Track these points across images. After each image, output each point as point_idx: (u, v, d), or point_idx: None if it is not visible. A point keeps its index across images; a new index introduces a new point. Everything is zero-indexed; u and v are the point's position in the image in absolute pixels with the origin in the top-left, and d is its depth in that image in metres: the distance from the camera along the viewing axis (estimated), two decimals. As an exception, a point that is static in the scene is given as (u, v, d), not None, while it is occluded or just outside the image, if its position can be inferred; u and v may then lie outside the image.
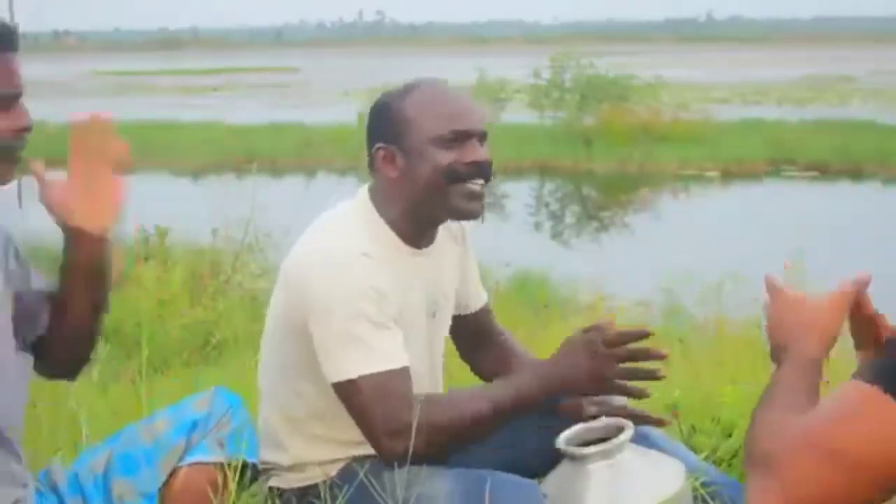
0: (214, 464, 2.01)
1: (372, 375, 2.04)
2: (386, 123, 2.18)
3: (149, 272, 6.37)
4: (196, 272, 6.57)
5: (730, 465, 2.77)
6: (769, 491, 1.36)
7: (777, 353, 1.64)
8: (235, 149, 20.22)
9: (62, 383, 3.29)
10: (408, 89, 2.19)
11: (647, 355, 2.07)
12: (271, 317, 2.23)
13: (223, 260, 6.81)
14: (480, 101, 2.20)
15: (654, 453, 2.16)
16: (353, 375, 2.05)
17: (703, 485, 2.17)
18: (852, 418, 1.34)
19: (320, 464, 2.16)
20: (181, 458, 2.02)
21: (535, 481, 2.09)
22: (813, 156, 18.51)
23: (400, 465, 2.01)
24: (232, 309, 5.99)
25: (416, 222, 2.19)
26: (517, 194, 17.15)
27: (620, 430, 2.10)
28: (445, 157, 2.13)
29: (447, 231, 2.33)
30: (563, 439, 2.14)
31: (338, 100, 30.98)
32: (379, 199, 2.19)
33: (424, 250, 2.23)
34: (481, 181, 2.16)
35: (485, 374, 2.51)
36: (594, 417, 2.19)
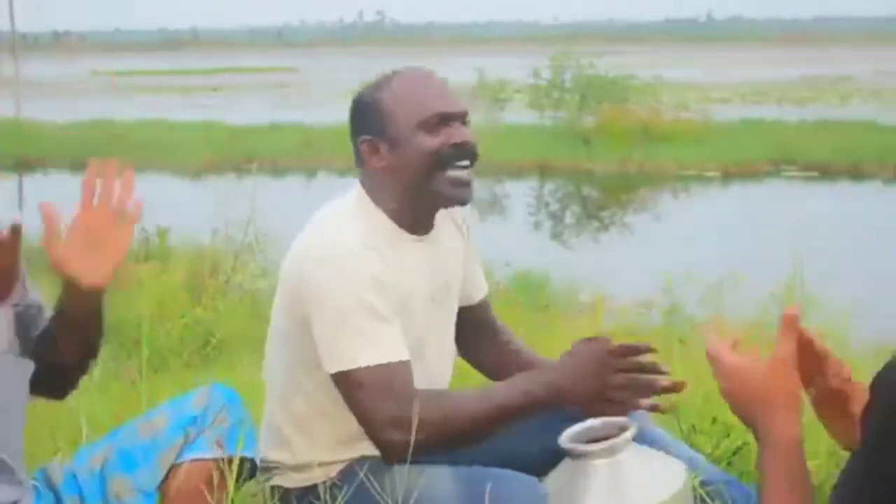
0: (212, 460, 2.01)
1: (371, 367, 2.04)
2: (367, 116, 2.19)
3: (149, 272, 6.36)
4: (196, 272, 6.57)
5: (729, 465, 2.77)
6: None
7: (745, 422, 1.64)
8: (235, 149, 20.19)
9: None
10: (385, 80, 2.21)
11: (649, 369, 2.06)
12: (275, 314, 2.23)
13: (223, 260, 6.80)
14: (471, 107, 2.21)
15: (654, 452, 2.16)
16: (352, 366, 2.05)
17: (703, 484, 2.17)
18: None
19: (321, 464, 2.16)
20: (179, 455, 2.02)
21: (536, 479, 2.10)
22: (813, 156, 18.49)
23: (398, 459, 2.01)
24: (232, 309, 5.99)
25: (411, 209, 2.20)
26: (517, 194, 17.14)
27: (622, 429, 2.10)
28: (432, 142, 2.14)
29: (451, 222, 2.33)
30: (565, 437, 2.14)
31: (338, 100, 30.93)
32: (373, 189, 2.20)
33: (424, 237, 2.23)
34: (467, 162, 2.17)
35: (483, 367, 2.52)
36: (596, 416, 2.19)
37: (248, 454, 2.07)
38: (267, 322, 2.31)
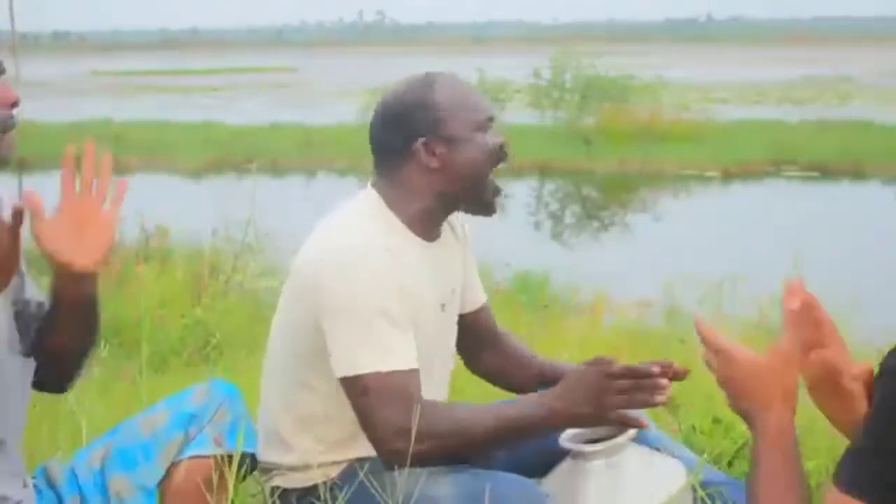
0: (213, 457, 2.01)
1: (381, 374, 2.04)
2: (422, 116, 2.18)
3: (149, 272, 6.37)
4: (196, 272, 6.57)
5: (730, 465, 2.77)
6: None
7: (740, 414, 1.64)
8: (235, 149, 20.21)
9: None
10: (425, 83, 2.22)
11: (650, 386, 2.04)
12: (283, 311, 2.22)
13: (223, 260, 6.81)
14: None
15: (654, 453, 2.16)
16: (362, 371, 2.04)
17: (703, 484, 2.17)
18: None
19: (321, 465, 2.16)
20: (180, 452, 2.02)
21: (536, 481, 2.09)
22: (813, 156, 18.50)
23: (400, 467, 2.01)
24: (232, 309, 5.99)
25: (432, 215, 2.21)
26: (517, 194, 17.14)
27: (621, 429, 2.10)
28: (490, 140, 2.21)
29: (450, 229, 2.33)
30: (565, 437, 2.15)
31: (338, 100, 30.97)
32: (393, 193, 2.19)
33: (434, 243, 2.24)
34: (505, 164, 2.26)
35: (485, 373, 2.52)
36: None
37: (248, 449, 2.07)
38: (267, 322, 2.31)
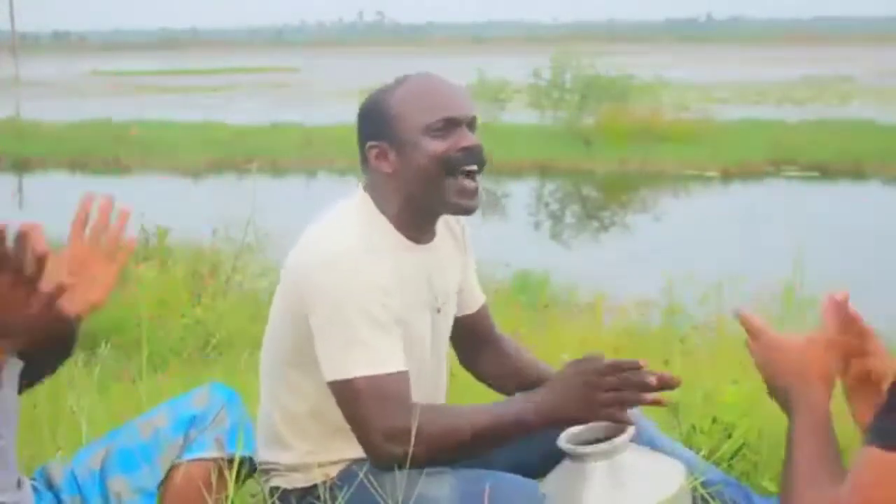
0: (212, 460, 2.01)
1: (370, 377, 2.03)
2: (375, 120, 2.18)
3: (149, 272, 6.36)
4: (196, 272, 6.57)
5: (730, 465, 2.77)
6: None
7: (776, 398, 1.67)
8: (235, 149, 20.21)
9: (62, 383, 3.30)
10: (394, 85, 2.20)
11: (637, 384, 2.04)
12: (274, 315, 2.23)
13: (223, 260, 6.81)
14: (469, 93, 2.17)
15: (654, 453, 2.16)
16: (350, 375, 2.04)
17: (703, 484, 2.17)
18: (880, 488, 1.37)
19: (321, 465, 2.16)
20: (179, 455, 2.02)
21: (535, 481, 2.09)
22: (813, 156, 18.50)
23: (390, 470, 2.01)
24: (232, 309, 5.99)
25: (415, 216, 2.19)
26: (517, 194, 17.14)
27: (621, 429, 2.10)
28: (439, 146, 2.13)
29: (449, 230, 2.33)
30: (564, 438, 2.14)
31: (338, 100, 30.96)
32: (377, 195, 2.19)
33: (425, 245, 2.23)
34: (474, 167, 2.16)
35: (484, 376, 2.51)
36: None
37: (247, 454, 2.07)
38: (266, 322, 2.31)
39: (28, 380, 1.94)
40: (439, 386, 2.32)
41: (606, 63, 22.10)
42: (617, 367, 2.04)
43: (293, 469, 2.20)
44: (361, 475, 2.09)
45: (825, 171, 18.03)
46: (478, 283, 2.46)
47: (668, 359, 3.56)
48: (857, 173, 18.00)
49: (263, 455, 2.20)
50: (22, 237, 1.60)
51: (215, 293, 6.20)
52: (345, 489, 2.11)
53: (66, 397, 3.04)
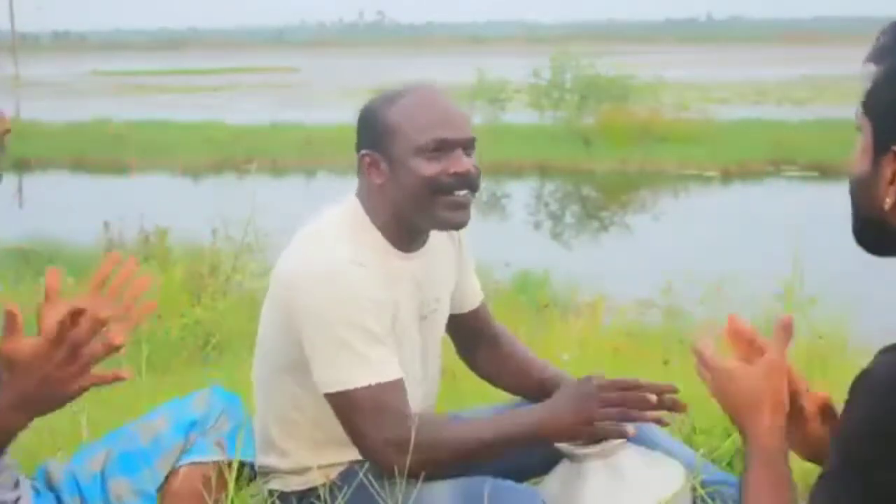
0: (212, 463, 2.01)
1: (367, 388, 2.03)
2: (372, 130, 2.15)
3: (148, 272, 6.35)
4: (196, 272, 6.57)
5: (730, 465, 2.77)
6: None
7: (734, 423, 1.68)
8: (235, 149, 20.21)
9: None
10: (396, 96, 2.16)
11: (637, 401, 2.05)
12: (263, 324, 2.21)
13: (223, 260, 6.80)
14: (471, 107, 2.07)
15: (653, 453, 2.16)
16: (348, 387, 2.03)
17: (703, 484, 2.17)
18: None
19: (320, 467, 2.16)
20: (179, 458, 2.02)
21: (534, 487, 2.09)
22: (813, 156, 18.49)
23: (391, 479, 2.01)
24: (232, 309, 5.99)
25: (403, 227, 2.17)
26: (517, 194, 17.14)
27: (620, 430, 2.10)
28: (429, 169, 2.09)
29: (446, 233, 2.32)
30: (563, 439, 2.14)
31: (338, 100, 30.96)
32: (367, 203, 2.18)
33: (414, 253, 2.21)
34: (465, 192, 2.12)
35: (483, 374, 2.51)
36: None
37: (247, 458, 2.07)
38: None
39: None
40: (430, 392, 2.31)
41: (606, 63, 22.09)
42: (617, 385, 2.04)
43: (293, 472, 2.20)
44: (361, 475, 2.09)
45: (825, 171, 18.02)
46: (477, 281, 2.46)
47: (668, 359, 3.56)
48: (856, 173, 17.97)
49: (262, 459, 2.20)
50: (96, 322, 1.57)
51: (215, 293, 6.20)
52: (345, 489, 2.11)
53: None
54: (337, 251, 2.08)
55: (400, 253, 2.18)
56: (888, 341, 1.45)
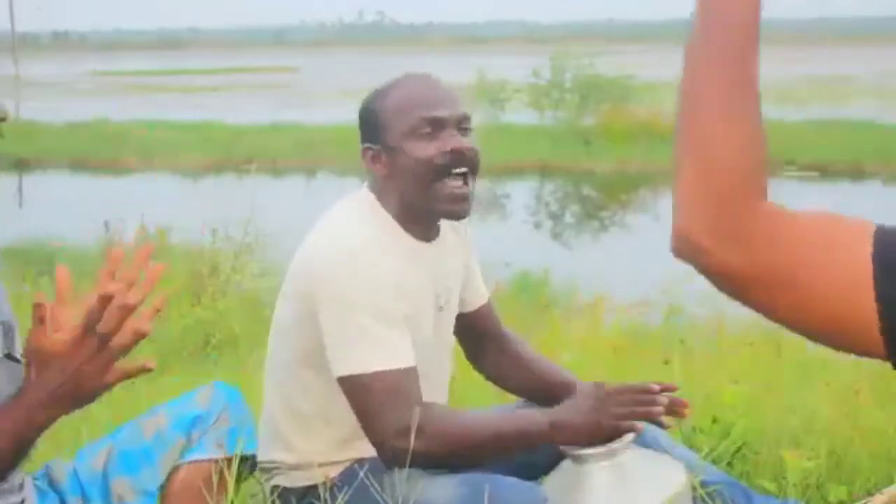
0: (214, 462, 2.01)
1: (383, 373, 2.03)
2: (368, 124, 2.20)
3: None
4: (196, 272, 6.56)
5: (730, 465, 2.77)
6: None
7: None
8: (235, 149, 20.21)
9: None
10: (386, 87, 2.20)
11: (648, 401, 2.06)
12: (280, 310, 2.22)
13: (223, 260, 6.80)
14: (471, 107, 2.06)
15: (654, 453, 2.16)
16: (362, 370, 2.04)
17: (703, 484, 2.17)
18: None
19: (321, 465, 2.16)
20: (181, 456, 2.02)
21: (536, 484, 2.09)
22: (813, 156, 18.50)
23: (401, 467, 2.01)
24: (232, 309, 5.99)
25: (415, 216, 2.19)
26: (517, 194, 17.14)
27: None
28: (425, 150, 2.12)
29: (452, 227, 2.33)
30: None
31: (338, 100, 30.95)
32: (379, 194, 2.20)
33: (430, 243, 2.23)
34: (464, 169, 2.14)
35: (490, 375, 2.51)
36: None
37: (248, 452, 2.07)
38: (267, 322, 2.31)
39: None
40: (443, 384, 2.32)
41: (606, 63, 22.10)
42: (628, 389, 2.06)
43: (294, 468, 2.20)
44: (362, 474, 2.09)
45: (825, 171, 18.03)
46: (481, 280, 2.46)
47: (668, 359, 3.56)
48: (856, 173, 18.00)
49: (265, 454, 2.20)
50: (124, 309, 1.55)
51: (215, 293, 6.19)
52: (345, 489, 2.11)
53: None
54: (357, 237, 2.10)
55: (417, 242, 2.19)
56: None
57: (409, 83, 2.19)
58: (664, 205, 16.40)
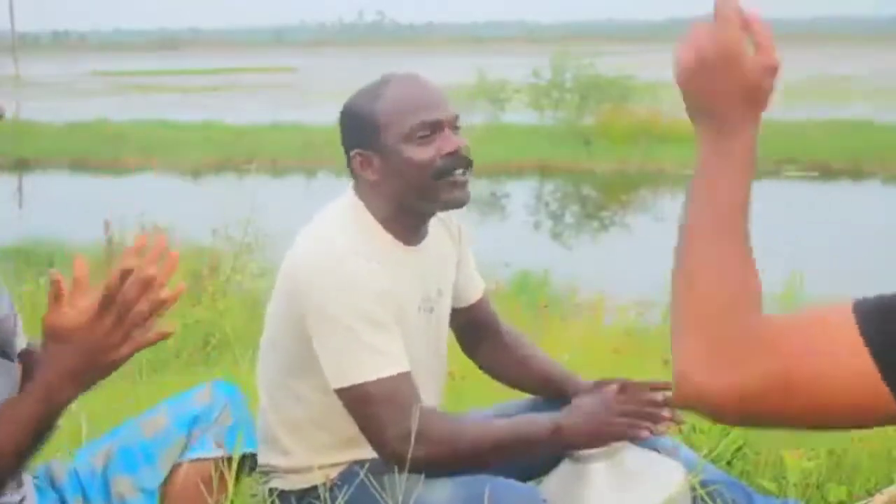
0: (214, 459, 2.01)
1: (380, 380, 2.03)
2: (357, 129, 2.16)
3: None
4: (196, 272, 6.56)
5: (730, 465, 2.77)
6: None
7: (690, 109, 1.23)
8: (235, 149, 20.22)
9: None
10: (373, 89, 2.17)
11: (653, 415, 2.08)
12: (270, 320, 2.21)
13: (223, 260, 6.81)
14: (471, 107, 2.05)
15: (653, 453, 2.16)
16: (360, 380, 2.03)
17: (703, 484, 2.17)
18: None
19: (321, 467, 2.16)
20: (182, 454, 2.02)
21: (535, 486, 2.09)
22: (813, 156, 18.51)
23: (403, 471, 2.01)
24: (232, 309, 5.99)
25: (404, 220, 2.18)
26: (517, 194, 17.14)
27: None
28: (423, 153, 2.11)
29: (445, 229, 2.32)
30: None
31: (338, 100, 30.89)
32: (366, 200, 2.18)
33: (416, 246, 2.22)
34: (462, 170, 2.14)
35: (486, 368, 2.51)
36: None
37: (248, 449, 2.07)
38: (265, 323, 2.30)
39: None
40: (436, 385, 2.31)
41: (606, 63, 22.11)
42: (631, 395, 2.06)
43: (293, 471, 2.20)
44: (362, 474, 2.09)
45: (825, 171, 18.03)
46: (477, 275, 2.46)
47: (668, 359, 3.56)
48: (856, 173, 18.00)
49: (263, 458, 2.20)
50: (144, 281, 1.57)
51: (215, 293, 6.19)
52: (345, 489, 2.11)
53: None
54: (338, 243, 2.09)
55: (402, 246, 2.19)
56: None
57: (400, 86, 2.16)
58: (664, 205, 16.42)
